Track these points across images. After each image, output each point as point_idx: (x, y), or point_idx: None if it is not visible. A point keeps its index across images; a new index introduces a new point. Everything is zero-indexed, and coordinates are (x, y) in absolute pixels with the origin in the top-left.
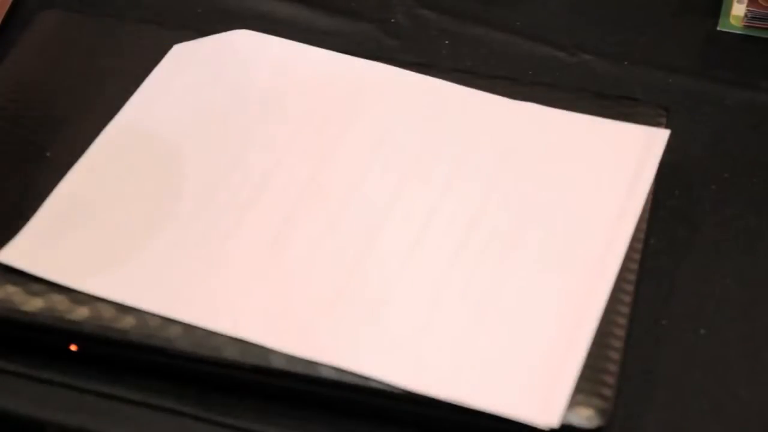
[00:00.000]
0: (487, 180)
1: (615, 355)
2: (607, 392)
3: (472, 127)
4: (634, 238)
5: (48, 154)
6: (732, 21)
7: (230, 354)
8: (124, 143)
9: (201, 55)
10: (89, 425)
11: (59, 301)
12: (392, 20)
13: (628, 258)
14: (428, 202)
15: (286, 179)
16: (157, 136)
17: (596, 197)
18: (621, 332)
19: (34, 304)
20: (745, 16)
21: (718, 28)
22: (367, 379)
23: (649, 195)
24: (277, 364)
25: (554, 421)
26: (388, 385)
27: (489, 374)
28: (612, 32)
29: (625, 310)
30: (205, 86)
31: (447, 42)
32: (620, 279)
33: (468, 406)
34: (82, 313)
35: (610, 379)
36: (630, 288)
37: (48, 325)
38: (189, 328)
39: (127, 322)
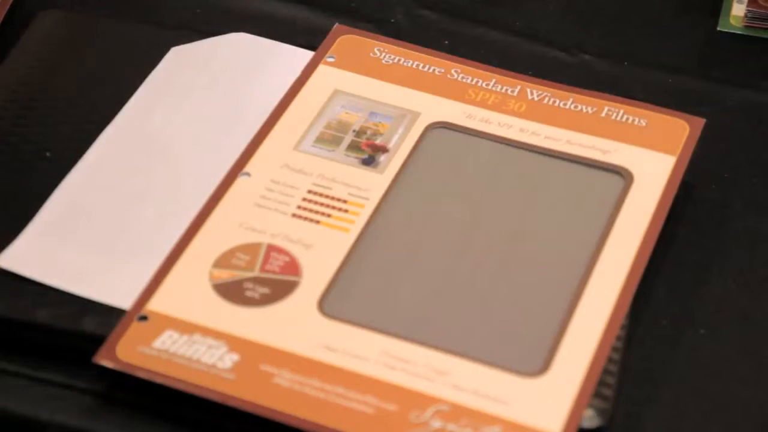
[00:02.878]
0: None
1: (615, 355)
2: (607, 392)
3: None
4: None
5: (48, 154)
6: (732, 21)
7: None
8: (124, 145)
9: (198, 58)
10: (89, 425)
11: (59, 302)
12: (392, 20)
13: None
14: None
15: None
16: (156, 138)
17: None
18: (621, 332)
19: (34, 304)
20: (745, 16)
21: (718, 28)
22: None
23: None
24: None
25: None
26: None
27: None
28: (612, 32)
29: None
30: (202, 89)
31: (447, 42)
32: None
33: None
34: (82, 313)
35: (610, 379)
36: None
37: (48, 326)
38: None
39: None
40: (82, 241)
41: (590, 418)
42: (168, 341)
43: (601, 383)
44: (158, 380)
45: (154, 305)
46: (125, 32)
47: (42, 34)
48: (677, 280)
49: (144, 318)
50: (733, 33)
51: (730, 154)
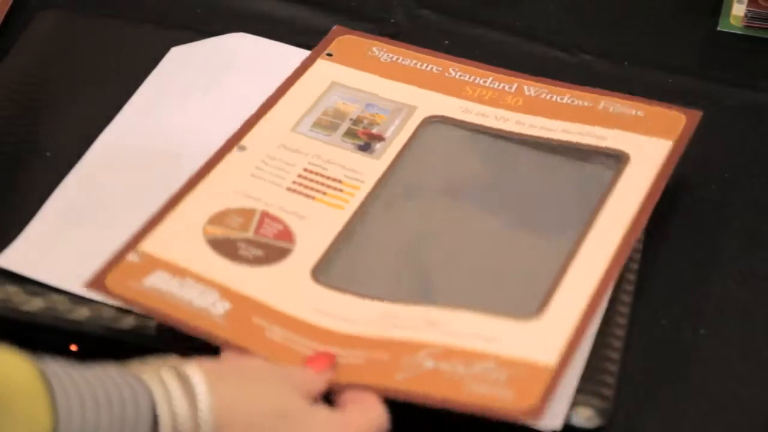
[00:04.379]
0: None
1: (615, 355)
2: (607, 392)
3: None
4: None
5: (48, 154)
6: (732, 21)
7: None
8: (124, 145)
9: (198, 58)
10: None
11: (59, 301)
12: (392, 20)
13: (628, 258)
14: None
15: None
16: (156, 138)
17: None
18: (621, 332)
19: (34, 304)
20: (745, 16)
21: (718, 28)
22: None
23: None
24: None
25: (556, 423)
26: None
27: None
28: (612, 32)
29: (625, 310)
30: (202, 89)
31: (447, 42)
32: (620, 279)
33: (470, 408)
34: (82, 313)
35: (610, 379)
36: (630, 288)
37: (48, 325)
38: None
39: (127, 322)
40: (81, 240)
41: (590, 418)
42: (159, 281)
43: (601, 383)
44: (151, 314)
45: (147, 247)
46: (125, 32)
47: (42, 34)
48: (677, 280)
49: (136, 255)
50: (733, 33)
51: (730, 154)
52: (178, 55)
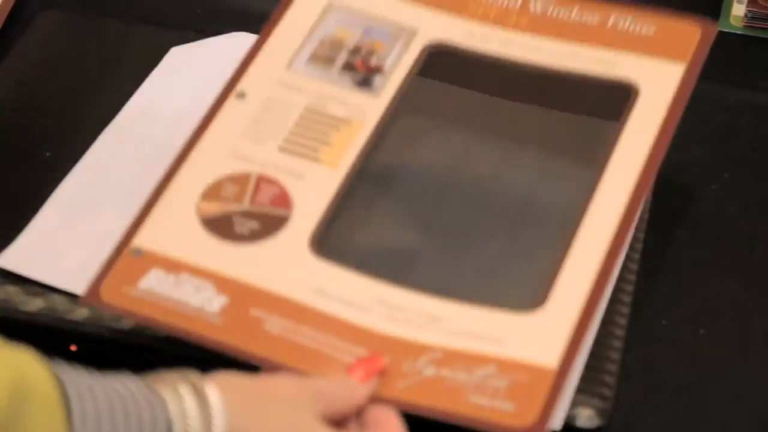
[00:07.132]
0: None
1: (615, 355)
2: (607, 392)
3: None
4: (634, 238)
5: (48, 154)
6: (732, 21)
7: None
8: (124, 145)
9: (198, 58)
10: None
11: (59, 301)
12: None
13: (628, 258)
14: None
15: None
16: (156, 138)
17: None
18: (621, 332)
19: (34, 304)
20: (745, 16)
21: (718, 28)
22: None
23: (649, 195)
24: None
25: (556, 423)
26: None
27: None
28: None
29: (625, 310)
30: (202, 88)
31: None
32: (620, 279)
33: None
34: (82, 313)
35: (610, 379)
36: (630, 288)
37: (48, 325)
38: None
39: (127, 322)
40: (82, 241)
41: (590, 418)
42: (154, 282)
43: (601, 383)
44: (147, 324)
45: (140, 242)
46: (125, 32)
47: (42, 34)
48: (677, 280)
49: (130, 254)
50: (733, 33)
51: (730, 154)
52: (178, 55)
